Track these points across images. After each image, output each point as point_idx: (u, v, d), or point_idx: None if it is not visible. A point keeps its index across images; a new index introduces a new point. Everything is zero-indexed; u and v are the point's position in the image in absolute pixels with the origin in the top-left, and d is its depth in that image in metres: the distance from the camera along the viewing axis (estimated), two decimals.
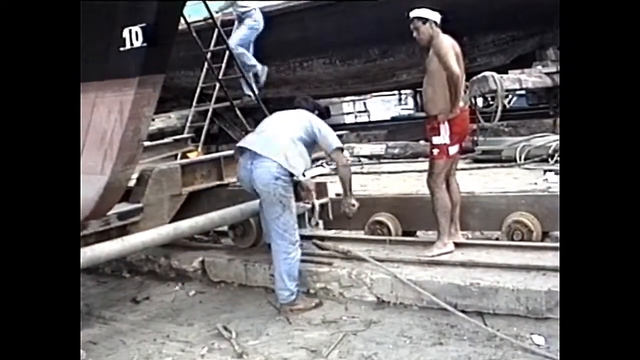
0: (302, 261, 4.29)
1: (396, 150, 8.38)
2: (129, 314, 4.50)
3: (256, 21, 9.34)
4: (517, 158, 6.71)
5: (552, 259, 3.90)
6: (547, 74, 7.40)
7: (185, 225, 4.40)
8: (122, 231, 4.58)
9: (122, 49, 3.95)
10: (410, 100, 15.90)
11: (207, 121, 9.18)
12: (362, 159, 8.29)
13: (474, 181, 5.82)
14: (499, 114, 6.64)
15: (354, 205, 4.49)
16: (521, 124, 8.96)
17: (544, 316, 3.56)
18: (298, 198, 4.50)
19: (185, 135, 8.34)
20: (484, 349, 3.33)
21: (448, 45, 4.28)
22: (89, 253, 3.68)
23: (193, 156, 7.64)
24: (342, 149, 4.46)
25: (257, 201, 4.37)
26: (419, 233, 5.29)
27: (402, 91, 15.22)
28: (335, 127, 5.60)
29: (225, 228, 5.24)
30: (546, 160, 6.46)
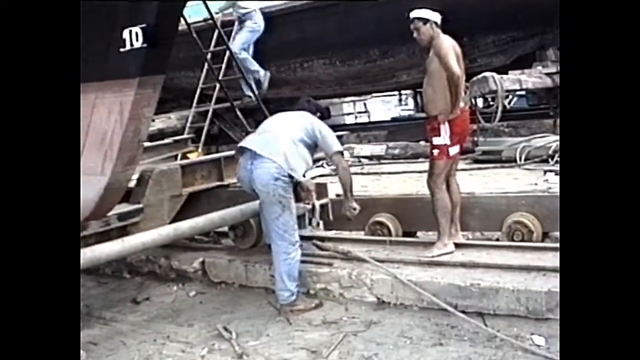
0: (302, 262, 4.29)
1: (396, 151, 8.38)
2: (129, 315, 4.49)
3: (256, 23, 9.34)
4: (518, 158, 6.71)
5: (553, 259, 3.89)
6: (547, 74, 7.40)
7: (186, 225, 4.40)
8: (122, 232, 4.58)
9: (122, 49, 3.95)
10: (411, 101, 15.88)
11: (207, 122, 9.18)
12: (362, 159, 8.29)
13: (474, 182, 5.81)
14: (499, 114, 6.63)
15: (355, 208, 4.50)
16: (521, 124, 8.95)
17: (544, 317, 3.55)
18: (298, 199, 4.50)
19: (185, 136, 8.33)
20: (484, 350, 3.33)
21: (448, 45, 4.28)
22: (89, 254, 3.68)
23: (193, 157, 7.64)
24: (342, 152, 4.47)
25: (257, 202, 4.37)
26: (419, 234, 5.29)
27: (403, 92, 15.21)
28: (335, 127, 5.61)
29: (225, 229, 5.24)
30: (546, 161, 6.46)
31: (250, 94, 9.36)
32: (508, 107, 8.95)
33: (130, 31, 3.89)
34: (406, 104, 16.79)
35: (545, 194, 4.96)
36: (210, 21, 9.02)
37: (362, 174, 7.20)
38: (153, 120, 8.09)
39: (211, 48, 9.19)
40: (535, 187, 5.38)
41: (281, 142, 4.17)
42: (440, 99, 4.31)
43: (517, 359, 3.21)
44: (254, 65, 9.42)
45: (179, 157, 7.42)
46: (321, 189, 5.02)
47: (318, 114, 4.55)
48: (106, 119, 4.07)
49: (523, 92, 8.62)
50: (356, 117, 16.13)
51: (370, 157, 8.37)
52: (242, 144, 4.39)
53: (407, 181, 6.37)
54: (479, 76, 6.71)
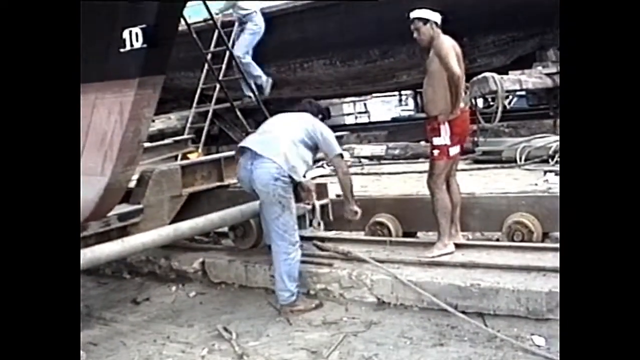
0: (303, 262, 4.29)
1: (396, 151, 8.38)
2: (129, 315, 4.49)
3: (257, 25, 9.33)
4: (518, 159, 6.71)
5: (553, 259, 3.89)
6: (548, 74, 7.40)
7: (186, 226, 4.40)
8: (122, 232, 4.58)
9: (122, 50, 3.95)
10: (411, 101, 15.88)
11: (208, 122, 9.18)
12: (362, 159, 8.29)
13: (475, 182, 5.81)
14: (499, 114, 6.64)
15: (356, 212, 4.51)
16: (521, 124, 8.95)
17: (544, 317, 3.55)
18: (298, 199, 4.50)
19: (185, 136, 8.32)
20: (484, 350, 3.33)
21: (449, 46, 4.28)
22: (89, 254, 3.68)
23: (193, 157, 7.64)
24: (342, 155, 4.48)
25: (258, 202, 4.38)
26: (419, 234, 5.29)
27: (403, 92, 15.21)
28: (335, 128, 5.61)
29: (225, 229, 5.23)
30: (546, 161, 6.46)
31: (250, 94, 9.35)
32: (508, 107, 8.97)
33: (130, 31, 3.89)
34: (406, 104, 16.79)
35: (545, 194, 4.96)
36: (210, 22, 9.02)
37: (362, 174, 7.21)
38: (153, 121, 8.09)
39: (211, 48, 9.19)
40: (536, 188, 5.38)
41: (281, 143, 4.17)
42: (440, 99, 4.30)
43: None
44: (257, 71, 9.42)
45: (179, 157, 7.42)
46: (321, 189, 5.02)
47: (320, 116, 4.56)
48: (106, 120, 4.07)
49: (523, 93, 8.63)
50: (356, 118, 16.13)
51: (370, 158, 8.37)
52: (242, 144, 4.40)
53: (407, 181, 6.37)
54: (479, 76, 6.71)
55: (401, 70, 9.42)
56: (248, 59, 9.32)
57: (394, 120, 13.71)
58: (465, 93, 4.70)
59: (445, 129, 4.31)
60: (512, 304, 3.66)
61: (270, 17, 9.40)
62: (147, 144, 6.02)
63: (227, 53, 9.13)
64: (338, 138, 4.57)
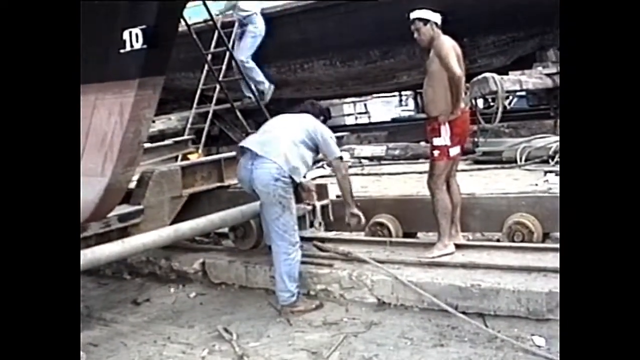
0: (303, 263, 4.29)
1: (397, 152, 8.38)
2: (129, 316, 4.49)
3: (257, 27, 9.32)
4: (518, 159, 6.70)
5: (553, 260, 3.89)
6: (548, 75, 7.40)
7: (186, 227, 4.40)
8: (123, 233, 4.57)
9: (122, 50, 3.95)
10: (411, 102, 15.88)
11: (208, 123, 9.17)
12: (362, 160, 8.29)
13: (475, 182, 5.81)
14: (499, 115, 6.63)
15: (359, 217, 4.52)
16: (522, 125, 8.93)
17: (544, 317, 3.55)
18: (299, 199, 4.50)
19: (185, 137, 8.31)
20: (484, 351, 3.33)
21: (449, 46, 4.28)
22: (89, 255, 3.68)
23: (193, 158, 7.63)
24: (342, 158, 4.48)
25: (258, 203, 4.38)
26: (419, 234, 5.29)
27: (403, 92, 15.20)
28: (335, 128, 5.61)
29: (225, 230, 5.23)
30: (547, 162, 6.45)
31: (250, 95, 9.35)
32: (508, 107, 8.96)
33: (131, 32, 3.89)
34: (406, 105, 16.78)
35: (545, 194, 4.95)
36: (211, 22, 9.01)
37: (363, 174, 7.20)
38: (153, 122, 8.09)
39: (211, 49, 9.19)
40: (536, 188, 5.38)
41: (282, 143, 4.18)
42: (440, 100, 4.31)
43: None
44: (260, 76, 9.42)
45: (179, 158, 7.42)
46: (322, 190, 5.02)
47: (321, 117, 4.57)
48: (106, 120, 4.07)
49: (523, 93, 8.62)
50: (356, 118, 16.13)
51: (370, 158, 8.37)
52: (242, 143, 4.40)
53: (407, 182, 6.37)
54: (479, 77, 6.71)
55: (401, 70, 9.42)
56: (252, 63, 9.32)
57: (394, 120, 13.70)
58: (466, 94, 4.70)
59: (445, 130, 4.31)
60: (513, 305, 3.66)
61: (270, 18, 9.40)
62: (147, 145, 6.02)
63: (227, 54, 9.13)
64: (338, 138, 4.58)
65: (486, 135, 7.62)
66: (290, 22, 9.40)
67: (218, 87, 9.18)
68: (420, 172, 5.92)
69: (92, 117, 4.12)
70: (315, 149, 4.36)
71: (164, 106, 9.26)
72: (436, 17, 4.34)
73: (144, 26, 3.85)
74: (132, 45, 3.90)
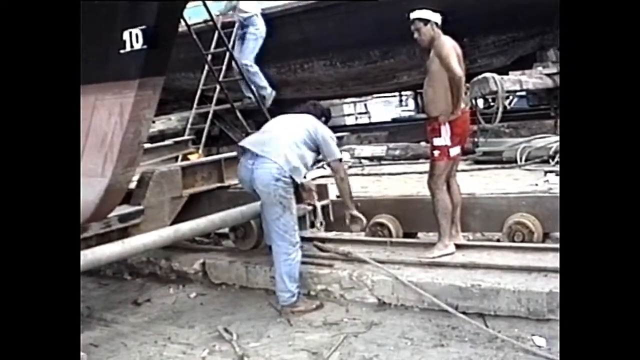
0: (303, 263, 4.29)
1: (397, 152, 8.37)
2: (130, 316, 4.50)
3: (258, 29, 9.31)
4: (518, 159, 6.69)
5: (553, 260, 3.89)
6: (548, 75, 7.38)
7: (186, 227, 4.40)
8: (123, 233, 4.58)
9: (122, 51, 3.95)
10: (411, 102, 15.86)
11: (208, 123, 9.17)
12: (363, 160, 8.28)
13: (475, 182, 5.81)
14: (499, 115, 6.62)
15: (360, 220, 4.54)
16: (522, 125, 8.92)
17: (545, 317, 3.55)
18: (299, 199, 4.50)
19: (185, 137, 8.31)
20: (485, 351, 3.33)
21: (450, 46, 4.28)
22: (89, 255, 3.68)
23: (194, 158, 7.63)
24: (342, 160, 4.49)
25: (258, 203, 4.38)
26: (419, 234, 5.29)
27: (403, 93, 15.19)
28: (336, 128, 5.60)
29: (226, 230, 5.23)
30: (547, 162, 6.45)
31: (250, 95, 9.34)
32: (508, 107, 8.95)
33: (130, 32, 3.89)
34: (407, 105, 16.78)
35: (545, 194, 4.95)
36: (211, 23, 9.01)
37: (363, 174, 7.20)
38: (153, 122, 8.09)
39: (211, 49, 9.19)
40: (536, 188, 5.37)
41: (283, 143, 4.18)
42: (440, 100, 4.30)
43: None
44: (263, 82, 9.41)
45: (179, 158, 7.42)
46: (322, 190, 5.02)
47: (323, 118, 4.57)
48: (106, 121, 4.07)
49: (523, 93, 8.61)
50: (357, 118, 16.12)
51: (370, 158, 8.37)
52: (243, 143, 4.39)
53: (407, 182, 6.36)
54: (480, 77, 6.70)
55: (401, 71, 9.41)
56: (255, 68, 9.31)
57: (394, 120, 13.67)
58: (466, 94, 4.70)
59: (445, 130, 4.31)
60: (513, 305, 3.66)
61: (270, 18, 9.40)
62: (147, 145, 6.02)
63: (227, 54, 9.13)
64: (338, 139, 4.58)
65: (486, 135, 7.61)
66: (290, 22, 9.39)
67: (218, 87, 9.17)
68: (421, 172, 5.91)
69: (92, 118, 4.12)
70: (316, 150, 4.37)
71: (164, 106, 9.24)
72: (436, 17, 4.34)
73: (144, 26, 3.85)
74: (132, 46, 3.90)
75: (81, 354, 3.36)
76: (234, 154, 5.00)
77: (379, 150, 8.55)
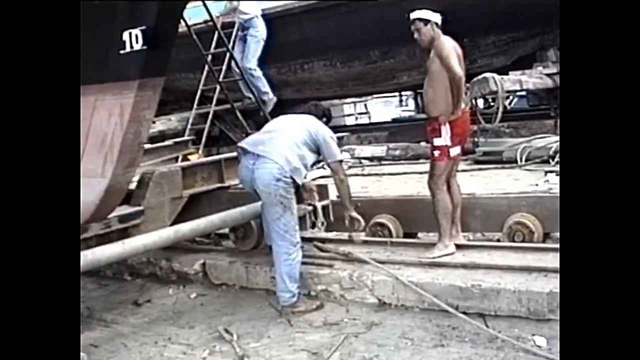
0: (303, 263, 4.29)
1: (397, 152, 8.36)
2: (130, 317, 4.50)
3: (259, 31, 9.31)
4: (518, 159, 6.69)
5: (554, 260, 3.89)
6: (548, 75, 7.38)
7: (186, 227, 4.40)
8: (123, 234, 4.58)
9: (122, 51, 3.95)
10: (411, 102, 15.86)
11: (208, 123, 9.16)
12: (363, 160, 8.28)
13: (475, 182, 5.80)
14: (499, 115, 6.62)
15: (358, 220, 4.54)
16: (522, 125, 8.91)
17: (545, 317, 3.55)
18: (300, 200, 4.50)
19: (186, 137, 8.31)
20: (485, 351, 3.33)
21: (450, 46, 4.28)
22: (89, 256, 3.68)
23: (194, 158, 7.63)
24: (342, 162, 4.49)
25: (258, 204, 4.38)
26: (420, 235, 5.28)
27: (403, 93, 15.19)
28: (336, 128, 5.60)
29: (226, 230, 5.23)
30: (547, 162, 6.44)
31: (250, 95, 9.34)
32: (509, 107, 8.94)
33: (130, 33, 3.89)
34: (407, 105, 16.77)
35: (546, 194, 4.95)
36: (211, 23, 9.01)
37: (363, 175, 7.20)
38: (153, 122, 8.08)
39: (211, 50, 9.19)
40: (536, 188, 5.37)
41: (284, 144, 4.18)
42: (441, 100, 4.30)
43: None
44: (266, 87, 9.39)
45: (179, 159, 7.42)
46: (322, 190, 5.02)
47: (324, 119, 4.58)
48: (106, 121, 4.07)
49: (524, 93, 8.61)
50: (357, 118, 16.11)
51: (371, 158, 8.36)
52: (243, 143, 4.39)
53: (407, 182, 6.36)
54: (480, 77, 6.70)
55: (401, 71, 9.40)
56: (259, 72, 9.31)
57: (394, 121, 13.67)
58: (466, 94, 4.70)
59: (445, 130, 4.31)
60: (513, 305, 3.65)
61: (270, 19, 9.39)
62: (147, 146, 6.02)
63: (227, 54, 9.12)
64: (338, 139, 4.58)
65: (486, 135, 7.61)
66: (290, 22, 9.39)
67: (218, 87, 9.17)
68: (421, 173, 5.91)
69: (92, 118, 4.12)
70: (317, 150, 4.37)
71: (164, 107, 9.24)
72: (436, 18, 4.34)
73: (143, 27, 3.85)
74: (132, 46, 3.91)
75: (81, 354, 3.36)
76: (234, 154, 4.99)
77: (379, 150, 8.54)
